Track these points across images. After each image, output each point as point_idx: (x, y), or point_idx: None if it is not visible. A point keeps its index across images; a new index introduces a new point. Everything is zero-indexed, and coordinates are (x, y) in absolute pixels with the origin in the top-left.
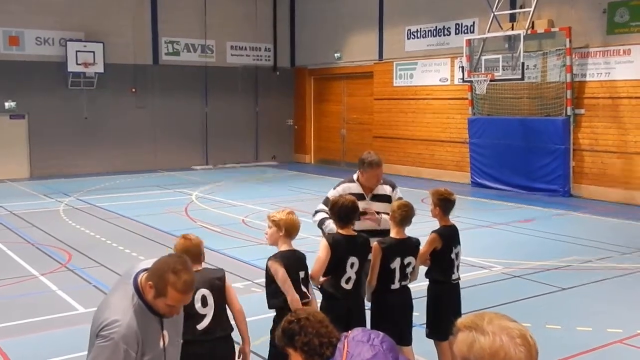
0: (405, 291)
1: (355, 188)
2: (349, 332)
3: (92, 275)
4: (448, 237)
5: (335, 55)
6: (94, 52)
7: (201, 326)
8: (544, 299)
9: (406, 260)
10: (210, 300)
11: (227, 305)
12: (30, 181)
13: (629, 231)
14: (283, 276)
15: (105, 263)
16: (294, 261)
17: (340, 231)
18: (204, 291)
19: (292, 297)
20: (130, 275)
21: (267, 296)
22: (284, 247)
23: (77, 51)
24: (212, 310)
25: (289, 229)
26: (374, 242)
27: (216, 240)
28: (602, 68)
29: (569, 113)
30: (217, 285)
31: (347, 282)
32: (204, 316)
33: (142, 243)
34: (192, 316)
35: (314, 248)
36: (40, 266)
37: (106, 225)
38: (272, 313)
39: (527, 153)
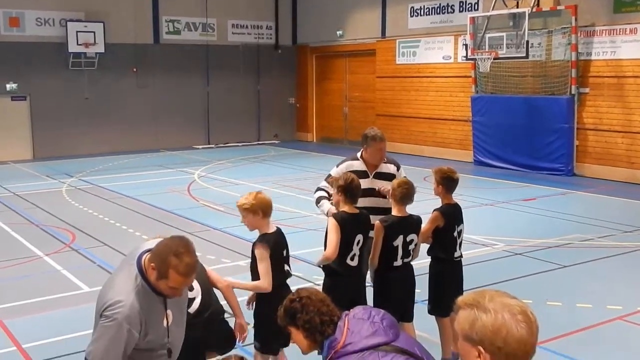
0: (407, 268)
1: (359, 165)
2: (350, 310)
3: (96, 254)
4: (450, 215)
5: (338, 33)
6: (94, 32)
7: (192, 309)
8: (545, 276)
9: (408, 238)
10: (195, 284)
11: (213, 287)
12: (33, 162)
13: (632, 210)
14: (266, 266)
15: (109, 243)
16: (279, 241)
17: (345, 209)
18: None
19: (266, 285)
20: (134, 256)
21: (252, 275)
22: (265, 229)
23: (77, 31)
24: (200, 293)
25: (265, 209)
26: (377, 221)
27: (219, 219)
28: (607, 47)
29: (573, 92)
30: (200, 272)
31: (352, 259)
32: (192, 300)
33: (145, 222)
34: None
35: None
36: (45, 247)
37: (109, 205)
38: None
39: (530, 132)
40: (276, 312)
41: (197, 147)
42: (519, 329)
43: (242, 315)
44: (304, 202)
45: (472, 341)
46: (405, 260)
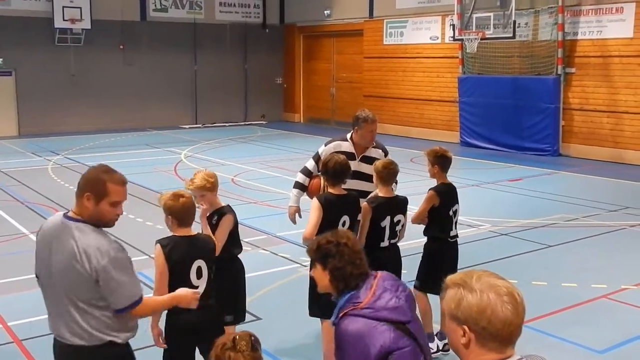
0: (394, 249)
1: (347, 147)
2: (378, 272)
3: None
4: (446, 194)
5: (325, 12)
6: (80, 7)
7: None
8: (531, 256)
9: (396, 219)
10: (205, 271)
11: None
12: (19, 139)
13: (616, 189)
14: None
15: None
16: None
17: (332, 190)
18: (200, 262)
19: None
20: (62, 227)
21: None
22: (220, 204)
23: (63, 7)
24: (205, 282)
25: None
26: (364, 202)
27: None
28: (593, 26)
29: (559, 72)
30: (210, 254)
31: None
32: (196, 287)
33: (131, 201)
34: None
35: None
36: (31, 224)
37: None
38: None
39: (517, 112)
40: (230, 282)
41: (184, 126)
42: (504, 309)
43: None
44: (290, 183)
45: (458, 320)
46: (392, 241)
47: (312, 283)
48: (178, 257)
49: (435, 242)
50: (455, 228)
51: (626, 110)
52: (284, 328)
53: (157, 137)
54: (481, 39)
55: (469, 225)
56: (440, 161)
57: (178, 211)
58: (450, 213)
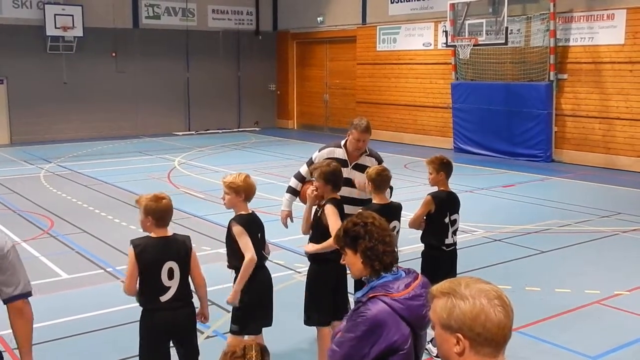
0: None
1: (340, 153)
2: (419, 275)
3: (74, 241)
4: (443, 200)
5: (318, 19)
6: (72, 15)
7: (164, 298)
8: (524, 262)
9: (391, 225)
10: (177, 272)
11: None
12: (11, 147)
13: (609, 195)
14: (246, 240)
15: (87, 229)
16: (253, 222)
17: (334, 196)
18: (171, 264)
19: (251, 256)
20: None
21: (227, 257)
22: (242, 211)
23: (55, 14)
24: (177, 283)
25: (248, 193)
26: (359, 210)
27: (199, 206)
28: (585, 33)
29: (551, 78)
30: (184, 256)
31: None
32: (168, 288)
33: (124, 209)
34: (156, 288)
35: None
36: (22, 232)
37: (88, 192)
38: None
39: (509, 118)
40: (253, 293)
41: (177, 133)
42: (497, 313)
43: (206, 305)
44: (284, 189)
45: (450, 329)
46: None
47: (310, 291)
48: (149, 258)
49: (431, 249)
50: (453, 237)
51: (618, 116)
52: (279, 335)
53: (150, 144)
54: (474, 45)
55: (463, 231)
56: (446, 168)
57: (158, 212)
58: (447, 221)
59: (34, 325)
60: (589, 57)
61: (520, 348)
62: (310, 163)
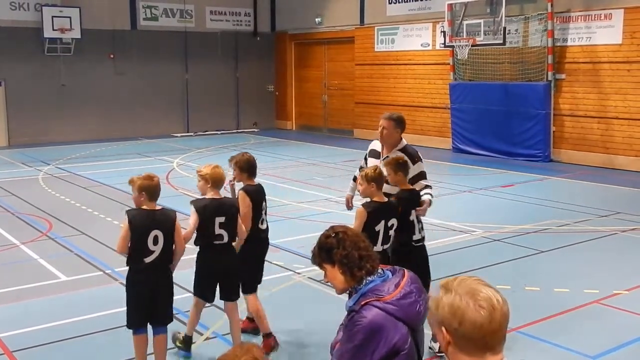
0: (386, 255)
1: (377, 145)
2: (406, 271)
3: (73, 243)
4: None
5: (316, 20)
6: (70, 17)
7: (148, 259)
8: (523, 261)
9: (389, 223)
10: (161, 240)
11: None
12: (9, 149)
13: (607, 194)
14: (195, 218)
15: (86, 231)
16: (209, 205)
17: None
18: (156, 232)
19: (188, 235)
20: None
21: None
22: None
23: (53, 16)
24: (161, 248)
25: (215, 181)
26: (359, 206)
27: None
28: (583, 33)
29: (549, 78)
30: (169, 227)
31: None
32: (152, 252)
33: (122, 211)
34: (142, 250)
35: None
36: (21, 235)
37: (86, 194)
38: None
39: (508, 118)
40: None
41: (176, 135)
42: (477, 313)
43: (176, 265)
44: (283, 190)
45: (438, 322)
46: (385, 246)
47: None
48: (139, 225)
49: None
50: (420, 232)
51: (616, 116)
52: (278, 335)
53: (148, 145)
54: (472, 46)
55: (462, 231)
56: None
57: (151, 188)
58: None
59: (32, 328)
60: (586, 57)
61: (520, 348)
62: (365, 156)
